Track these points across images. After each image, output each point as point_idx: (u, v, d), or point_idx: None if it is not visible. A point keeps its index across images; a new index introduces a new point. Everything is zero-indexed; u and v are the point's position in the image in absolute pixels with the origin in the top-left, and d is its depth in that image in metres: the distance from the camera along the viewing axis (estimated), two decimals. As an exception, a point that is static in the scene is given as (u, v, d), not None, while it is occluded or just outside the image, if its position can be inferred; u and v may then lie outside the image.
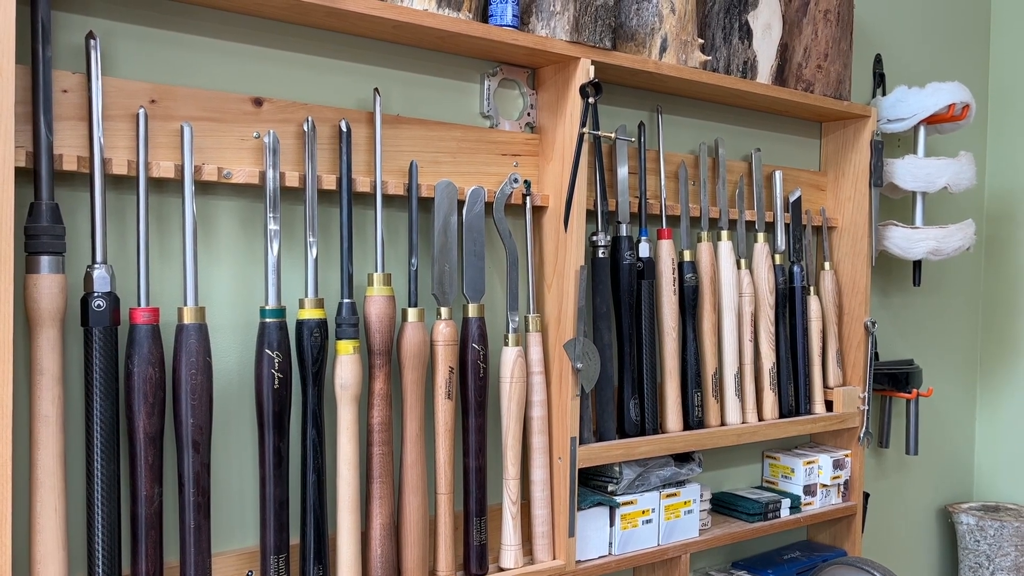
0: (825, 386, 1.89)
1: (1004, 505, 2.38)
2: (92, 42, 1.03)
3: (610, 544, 1.50)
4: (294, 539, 1.21)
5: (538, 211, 1.46)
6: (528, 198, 1.42)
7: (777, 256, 1.79)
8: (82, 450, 1.07)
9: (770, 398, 1.75)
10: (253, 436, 1.21)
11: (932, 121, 1.96)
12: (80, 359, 1.07)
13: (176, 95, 1.12)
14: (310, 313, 1.17)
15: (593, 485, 1.54)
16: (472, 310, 1.33)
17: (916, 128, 1.97)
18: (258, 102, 1.18)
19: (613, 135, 1.46)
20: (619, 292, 1.54)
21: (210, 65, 1.17)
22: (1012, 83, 2.42)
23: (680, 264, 1.62)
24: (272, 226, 1.15)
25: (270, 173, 1.15)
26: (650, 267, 1.56)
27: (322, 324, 1.17)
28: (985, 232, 2.47)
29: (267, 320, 1.13)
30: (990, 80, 2.46)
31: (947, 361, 2.39)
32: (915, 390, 2.06)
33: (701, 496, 1.64)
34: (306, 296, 1.18)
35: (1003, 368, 2.44)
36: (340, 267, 1.22)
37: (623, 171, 1.55)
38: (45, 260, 0.98)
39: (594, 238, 1.51)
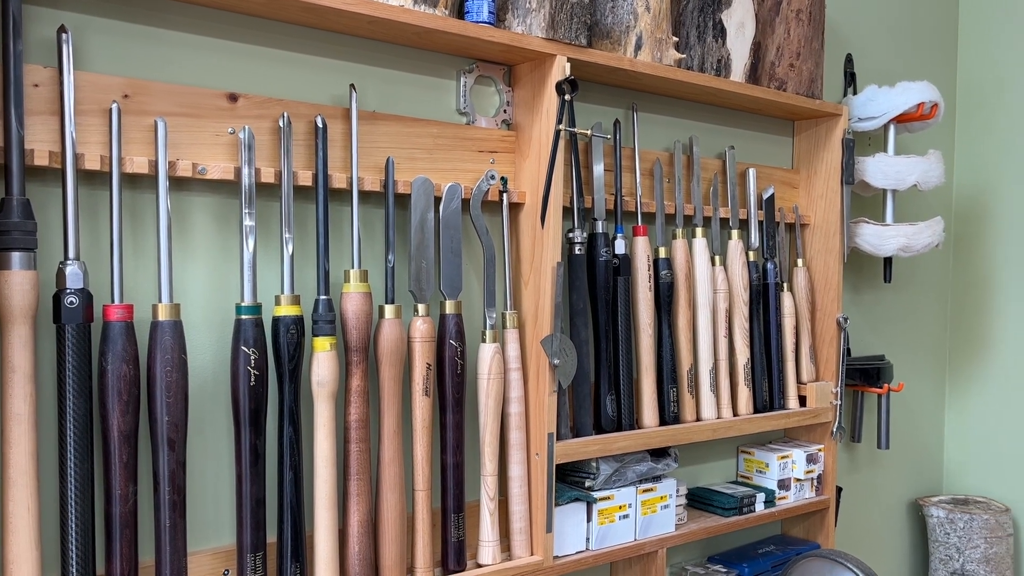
0: (799, 381, 1.91)
1: (973, 498, 2.42)
2: (64, 36, 1.01)
3: (587, 539, 1.51)
4: (271, 537, 1.20)
5: (515, 208, 1.46)
6: (505, 195, 1.42)
7: (751, 253, 1.81)
8: (55, 448, 1.06)
9: (745, 393, 1.77)
10: (229, 434, 1.21)
11: (902, 120, 1.98)
12: (53, 356, 1.05)
13: (150, 90, 1.11)
14: (286, 310, 1.16)
15: (570, 481, 1.54)
16: (449, 307, 1.33)
17: (886, 127, 2.00)
18: (233, 98, 1.18)
19: (589, 132, 1.47)
20: (595, 289, 1.54)
21: (184, 60, 1.16)
22: (980, 82, 2.46)
23: (655, 261, 1.63)
24: (247, 222, 1.14)
25: (245, 169, 1.14)
26: (626, 264, 1.57)
27: (298, 321, 1.17)
28: (954, 230, 2.51)
29: (243, 317, 1.12)
30: (958, 79, 2.51)
31: (917, 356, 2.43)
32: (886, 385, 2.09)
33: (677, 491, 1.65)
34: (282, 293, 1.17)
35: (971, 363, 2.49)
36: (316, 264, 1.22)
37: (599, 168, 1.55)
38: (16, 256, 0.97)
39: (570, 235, 1.51)
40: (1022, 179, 2.38)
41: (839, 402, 1.92)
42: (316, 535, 1.19)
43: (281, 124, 1.18)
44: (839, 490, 2.13)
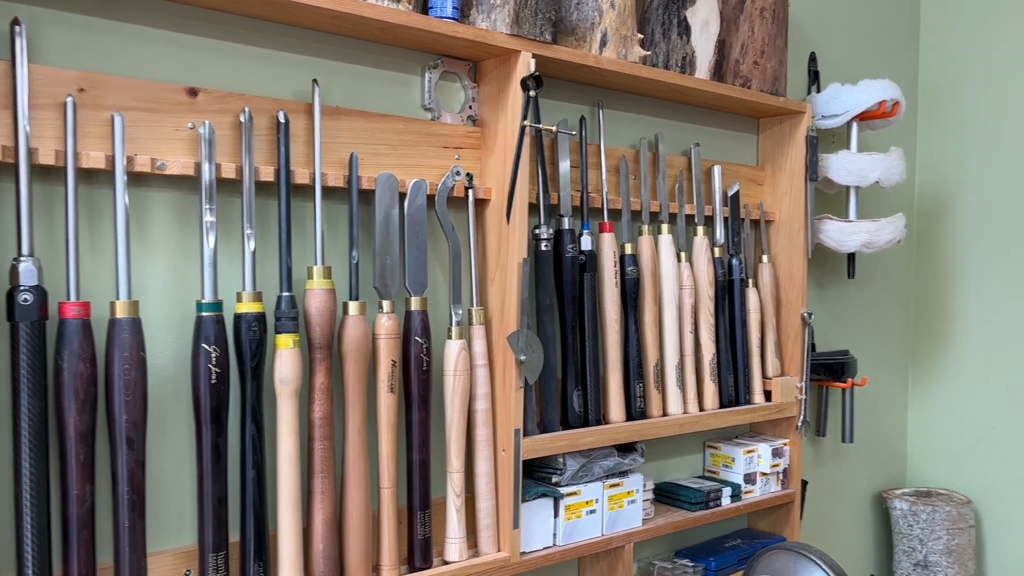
0: (764, 376, 1.93)
1: (936, 490, 2.46)
2: (17, 28, 0.99)
3: (555, 535, 1.51)
4: (234, 537, 1.18)
5: (480, 204, 1.46)
6: (470, 191, 1.42)
7: (716, 249, 1.82)
8: (9, 449, 1.04)
9: (711, 389, 1.78)
10: (190, 432, 1.19)
11: (864, 117, 2.01)
12: (6, 355, 1.03)
13: (107, 84, 1.09)
14: (248, 307, 1.15)
15: (537, 477, 1.55)
16: (415, 303, 1.33)
17: (849, 124, 2.02)
18: (193, 92, 1.16)
19: (554, 129, 1.47)
20: (562, 285, 1.55)
21: (142, 53, 1.14)
22: (941, 81, 2.50)
23: (622, 257, 1.64)
24: (208, 218, 1.12)
25: (205, 164, 1.13)
26: (592, 260, 1.58)
27: (260, 318, 1.15)
28: (916, 226, 2.55)
29: (204, 314, 1.11)
30: (920, 78, 2.54)
31: (881, 351, 2.46)
32: (850, 380, 2.12)
33: (644, 486, 1.66)
34: (244, 289, 1.16)
35: (934, 358, 2.53)
36: (279, 260, 1.21)
37: (565, 165, 1.56)
38: (-32, 253, 0.95)
39: (536, 231, 1.51)
40: (982, 176, 2.42)
41: (804, 397, 1.94)
42: (280, 534, 1.18)
43: (242, 119, 1.17)
44: (805, 484, 2.16)
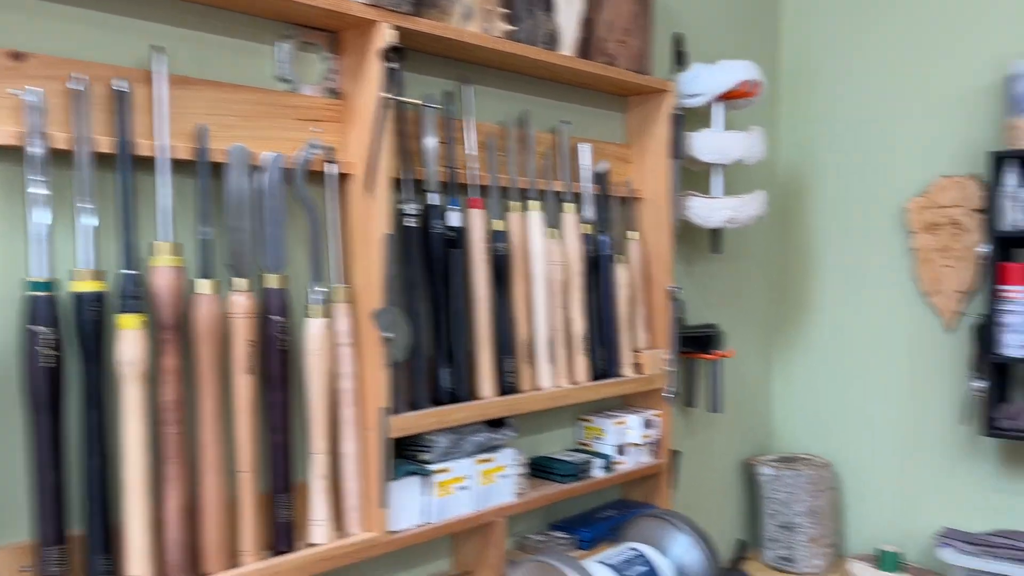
0: (634, 350, 1.97)
1: (800, 456, 2.58)
2: None
3: (426, 512, 1.50)
4: (80, 530, 1.12)
5: (342, 178, 1.42)
6: (330, 165, 1.38)
7: (585, 226, 1.84)
8: None
9: (582, 362, 1.81)
10: (23, 420, 1.11)
11: (727, 97, 2.07)
12: None
13: (-85, 45, 1.00)
14: (86, 285, 1.08)
15: (408, 455, 1.53)
16: (272, 280, 1.29)
17: (713, 103, 2.08)
18: (18, 56, 1.08)
19: (417, 102, 1.45)
20: (430, 261, 1.53)
21: (-42, 13, 1.06)
22: (803, 63, 2.61)
23: (491, 233, 1.64)
24: (37, 191, 1.05)
25: (34, 134, 1.05)
26: (461, 236, 1.57)
27: (100, 297, 1.09)
28: (780, 204, 2.66)
29: (34, 293, 1.04)
30: (784, 60, 2.65)
31: (747, 324, 2.56)
32: (716, 351, 2.20)
33: (516, 461, 1.67)
34: (80, 267, 1.09)
35: (796, 330, 2.65)
36: (120, 236, 1.14)
37: (431, 140, 1.54)
38: None
39: (402, 207, 1.49)
40: (840, 155, 2.54)
41: (672, 368, 2.00)
42: (128, 524, 1.12)
43: (76, 86, 1.10)
44: (677, 453, 2.23)
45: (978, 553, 2.07)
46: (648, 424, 1.96)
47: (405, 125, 1.49)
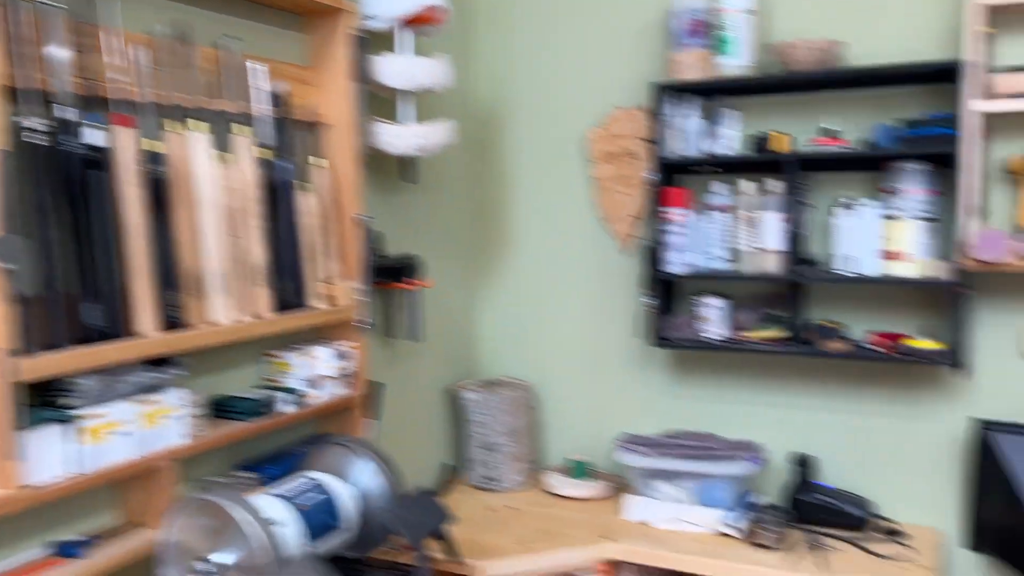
0: (325, 281, 1.92)
1: (503, 380, 2.69)
2: None
3: (74, 462, 1.36)
4: None
5: (-60, 86, 1.21)
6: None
7: (263, 150, 1.74)
8: None
9: (263, 295, 1.72)
10: None
11: (413, 23, 2.04)
12: None
13: None
14: None
15: (52, 401, 1.37)
16: None
17: (398, 28, 2.04)
18: None
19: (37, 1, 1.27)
20: (67, 184, 1.36)
21: None
22: (495, -2, 2.65)
23: (146, 155, 1.49)
24: None
25: None
26: (105, 157, 1.41)
27: None
28: (478, 135, 2.71)
29: None
30: (477, -6, 2.67)
31: (449, 254, 2.60)
32: (413, 280, 2.20)
33: (188, 401, 1.56)
34: None
35: (495, 258, 2.74)
36: None
37: (58, 47, 1.35)
38: None
39: (18, 120, 1.30)
40: (532, 88, 2.62)
41: (365, 299, 1.98)
42: None
43: None
44: (377, 384, 2.22)
45: (651, 454, 2.28)
46: (342, 356, 1.93)
47: (20, 27, 1.29)
